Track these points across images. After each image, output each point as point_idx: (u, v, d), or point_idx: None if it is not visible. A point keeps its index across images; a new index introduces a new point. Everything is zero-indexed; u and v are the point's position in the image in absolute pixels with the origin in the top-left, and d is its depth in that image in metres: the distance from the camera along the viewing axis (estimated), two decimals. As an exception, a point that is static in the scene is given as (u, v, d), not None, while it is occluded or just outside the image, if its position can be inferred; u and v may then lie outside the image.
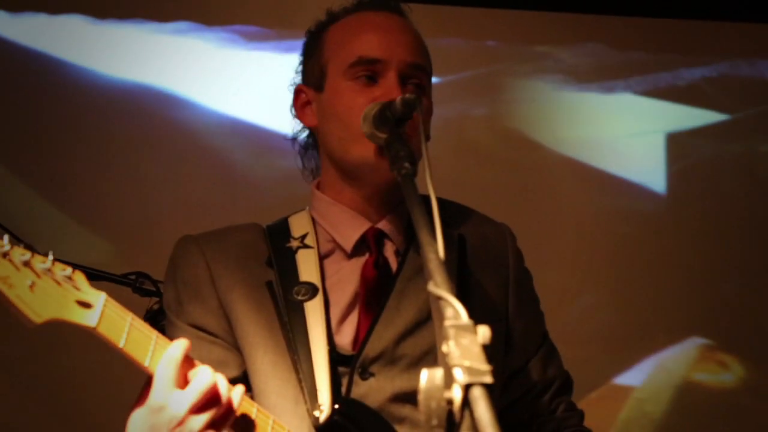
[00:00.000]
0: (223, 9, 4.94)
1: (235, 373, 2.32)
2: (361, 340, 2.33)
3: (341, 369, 2.30)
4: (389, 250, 2.45)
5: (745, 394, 4.96)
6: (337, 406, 2.23)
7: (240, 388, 2.06)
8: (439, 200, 2.25)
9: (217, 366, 2.10)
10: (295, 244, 2.45)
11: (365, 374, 2.29)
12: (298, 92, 2.54)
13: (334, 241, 2.46)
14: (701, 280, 4.96)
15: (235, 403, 2.04)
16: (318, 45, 2.50)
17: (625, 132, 5.06)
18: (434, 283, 1.63)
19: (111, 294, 1.95)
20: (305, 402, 2.25)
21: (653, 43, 5.13)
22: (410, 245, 2.43)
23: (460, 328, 1.52)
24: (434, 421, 1.46)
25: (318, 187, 2.53)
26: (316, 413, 2.22)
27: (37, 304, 1.81)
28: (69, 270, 1.87)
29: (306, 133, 2.58)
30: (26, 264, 1.80)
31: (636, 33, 5.12)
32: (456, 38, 4.96)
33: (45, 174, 4.68)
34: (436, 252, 1.71)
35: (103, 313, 1.89)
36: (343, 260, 2.44)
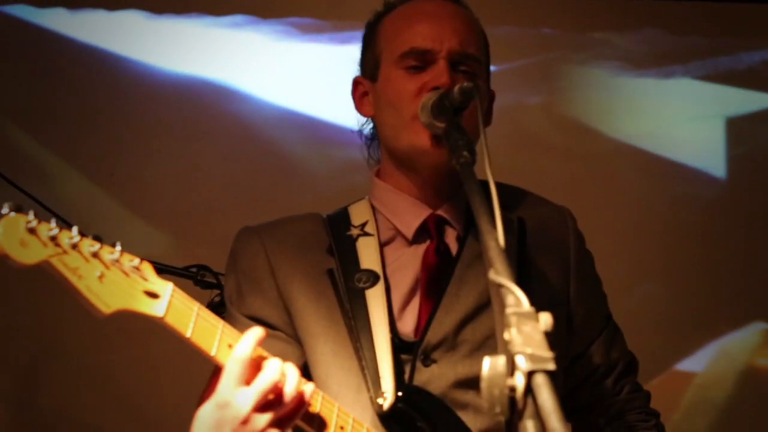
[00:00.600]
0: (278, 1, 4.96)
1: (295, 363, 2.33)
2: (422, 326, 2.33)
3: (404, 356, 2.30)
4: (450, 236, 2.46)
5: (809, 379, 4.91)
6: (400, 394, 2.23)
7: (311, 384, 2.06)
8: (498, 185, 2.26)
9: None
10: (355, 232, 2.46)
11: (427, 361, 2.30)
12: (356, 84, 2.56)
13: (394, 228, 2.46)
14: (762, 265, 4.91)
15: (307, 397, 2.04)
16: (373, 36, 2.52)
17: (684, 117, 5.02)
18: (495, 271, 1.64)
19: (172, 288, 1.96)
20: (368, 390, 2.26)
21: (711, 27, 5.08)
22: (470, 231, 2.43)
23: (521, 315, 1.52)
24: (497, 409, 1.46)
25: (377, 175, 2.54)
26: (380, 401, 2.23)
27: (106, 295, 1.83)
28: (137, 261, 1.89)
29: (371, 124, 2.58)
30: (95, 255, 1.82)
31: (693, 17, 5.07)
32: (511, 26, 4.95)
33: (105, 168, 4.73)
34: (496, 239, 1.72)
35: (170, 303, 1.91)
36: (403, 247, 2.45)
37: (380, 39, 2.49)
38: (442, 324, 2.33)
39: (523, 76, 4.93)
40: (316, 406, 2.10)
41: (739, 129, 5.01)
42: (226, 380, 1.97)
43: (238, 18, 4.92)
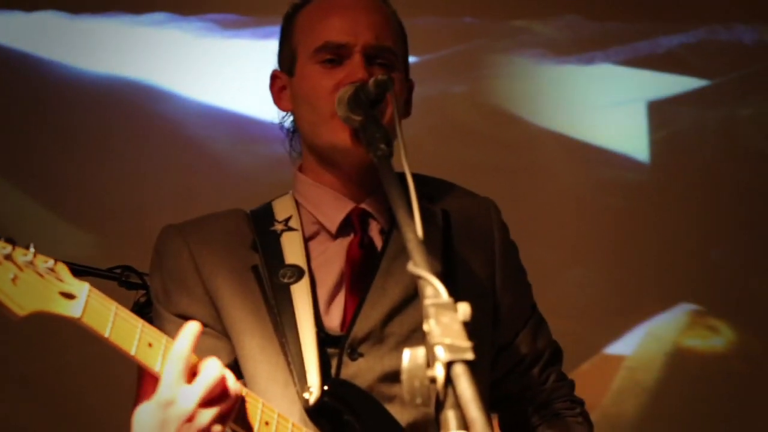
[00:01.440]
0: (199, -2, 4.94)
1: (225, 361, 2.28)
2: (348, 320, 2.33)
3: (330, 351, 2.30)
4: (374, 230, 2.45)
5: (736, 358, 4.98)
6: (326, 387, 2.23)
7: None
8: (421, 177, 2.27)
9: (208, 355, 2.09)
10: (279, 227, 2.44)
11: (354, 355, 2.29)
12: (273, 78, 2.54)
13: (318, 222, 2.45)
14: (688, 247, 4.97)
15: (241, 393, 2.04)
16: (290, 29, 2.50)
17: (607, 102, 5.07)
18: (414, 263, 1.65)
19: (97, 289, 1.94)
20: (294, 384, 2.25)
21: (630, 12, 5.12)
22: (394, 224, 2.42)
23: (440, 306, 1.52)
24: (418, 400, 1.47)
25: (300, 169, 2.53)
26: (306, 395, 2.23)
27: (20, 297, 1.80)
28: (51, 261, 1.87)
29: (291, 117, 2.57)
30: (7, 257, 1.80)
31: (612, 3, 5.12)
32: (432, 16, 4.96)
33: (26, 170, 4.68)
34: (415, 231, 1.73)
35: (87, 303, 1.88)
36: (328, 241, 2.44)
37: (296, 32, 2.48)
38: (369, 318, 2.33)
39: (446, 65, 4.94)
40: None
41: (660, 112, 5.07)
42: (168, 378, 1.95)
43: (158, 16, 4.89)
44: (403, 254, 2.33)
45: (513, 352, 2.54)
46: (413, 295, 2.34)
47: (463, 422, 1.42)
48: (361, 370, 2.29)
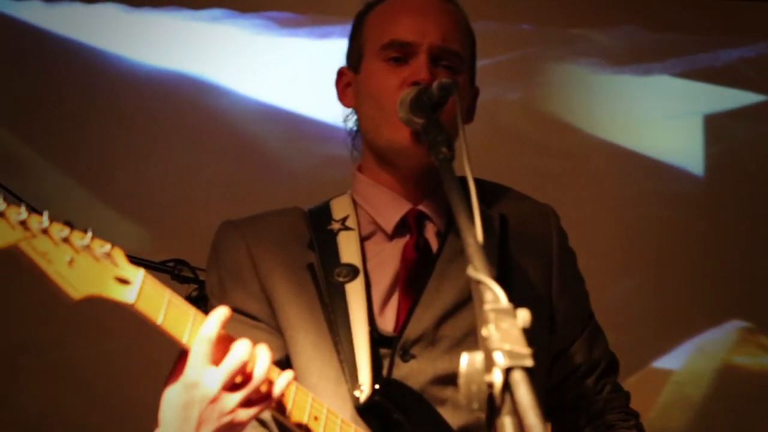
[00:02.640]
0: (257, -4, 4.95)
1: (277, 356, 2.30)
2: (401, 322, 2.34)
3: (383, 351, 2.30)
4: (430, 232, 2.46)
5: (785, 377, 4.94)
6: (377, 386, 2.24)
7: (289, 373, 2.05)
8: (479, 181, 2.25)
9: None
10: (336, 226, 2.46)
11: (406, 356, 2.30)
12: (340, 74, 2.55)
13: (375, 222, 2.46)
14: (740, 263, 4.94)
15: (278, 383, 2.02)
16: (359, 27, 2.52)
17: (663, 114, 5.05)
18: (473, 267, 1.63)
19: (150, 281, 1.94)
20: (346, 382, 2.26)
21: (689, 24, 5.10)
22: (451, 227, 2.44)
23: (499, 311, 1.52)
24: (475, 405, 1.46)
25: (359, 169, 2.54)
26: (357, 393, 2.24)
27: (76, 280, 1.80)
28: (108, 246, 1.86)
29: (354, 116, 2.57)
30: (65, 240, 1.80)
31: (671, 14, 5.10)
32: (490, 21, 4.95)
33: (82, 162, 4.71)
34: (475, 236, 1.71)
35: (141, 289, 1.88)
36: (384, 242, 2.45)
37: (365, 30, 2.50)
38: (422, 319, 2.33)
39: (501, 71, 4.94)
40: (290, 395, 2.08)
41: (717, 126, 5.04)
42: (194, 360, 1.94)
43: (216, 12, 4.91)
44: (459, 257, 2.35)
45: (568, 360, 2.53)
46: (467, 298, 2.34)
47: (520, 429, 1.41)
48: (413, 372, 2.29)
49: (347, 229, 2.45)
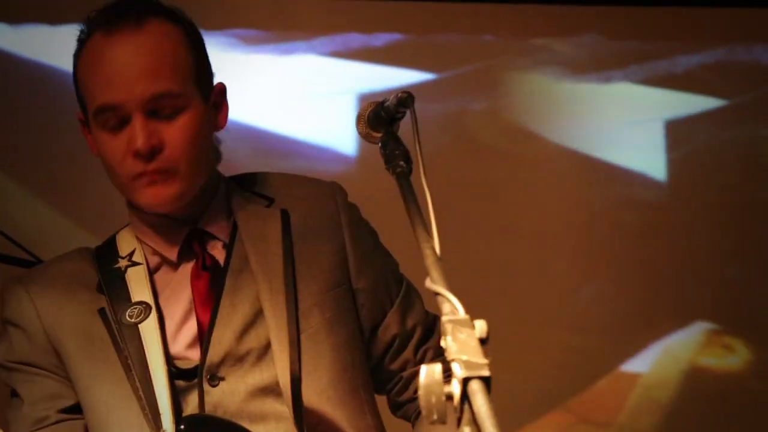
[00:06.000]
0: (221, 13, 4.94)
1: (71, 402, 2.29)
2: (202, 347, 2.26)
3: (188, 383, 2.24)
4: (216, 248, 2.35)
5: (752, 376, 4.98)
6: (182, 427, 2.15)
7: None
8: (260, 176, 2.36)
9: (52, 399, 2.16)
10: (123, 263, 2.34)
11: (215, 380, 2.23)
12: (80, 120, 2.39)
13: (158, 253, 2.35)
14: (704, 265, 4.97)
15: None
16: (75, 74, 2.34)
17: (624, 121, 5.08)
18: (431, 279, 1.66)
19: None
20: (150, 429, 2.19)
21: (649, 31, 5.14)
22: (235, 237, 2.35)
23: (457, 322, 1.55)
24: (434, 416, 1.48)
25: (129, 203, 2.40)
26: None
27: None
28: None
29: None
30: None
31: (631, 22, 5.13)
32: (452, 33, 4.97)
33: (51, 183, 4.71)
34: (433, 248, 1.74)
35: None
36: (171, 271, 2.34)
37: (80, 82, 2.32)
38: (222, 339, 2.26)
39: (464, 83, 4.95)
40: None
41: (678, 132, 5.07)
42: None
43: (181, 30, 4.91)
44: (247, 267, 2.29)
45: (384, 334, 2.42)
46: None
47: (479, 438, 1.44)
48: (225, 395, 2.23)
49: (135, 264, 2.33)
